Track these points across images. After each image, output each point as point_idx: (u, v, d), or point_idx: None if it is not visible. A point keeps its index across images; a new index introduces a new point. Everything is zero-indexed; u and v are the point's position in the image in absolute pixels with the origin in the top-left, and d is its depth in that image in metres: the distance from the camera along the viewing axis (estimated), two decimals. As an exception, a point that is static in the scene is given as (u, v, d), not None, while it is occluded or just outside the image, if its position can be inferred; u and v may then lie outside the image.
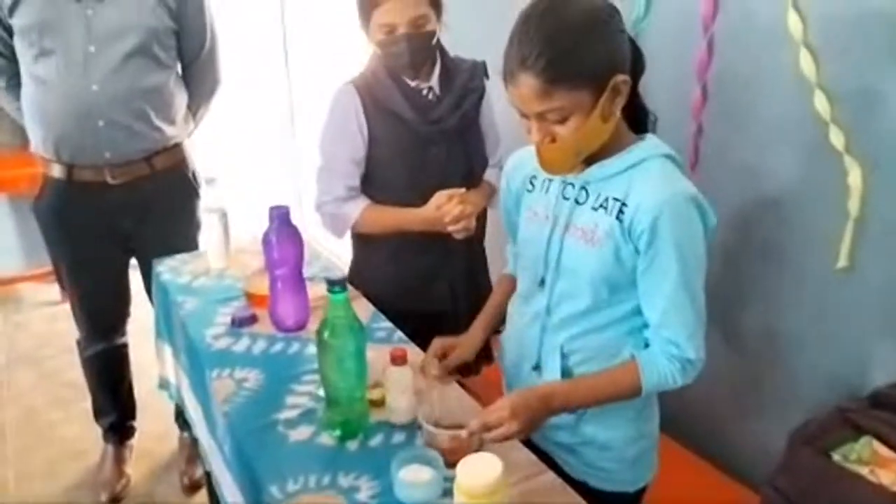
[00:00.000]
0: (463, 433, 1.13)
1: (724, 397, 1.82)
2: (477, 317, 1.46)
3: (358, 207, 1.71)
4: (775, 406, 1.73)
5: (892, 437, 1.32)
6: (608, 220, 1.14)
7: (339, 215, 1.73)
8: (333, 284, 1.17)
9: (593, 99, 1.06)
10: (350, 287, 1.84)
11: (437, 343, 1.39)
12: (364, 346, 1.23)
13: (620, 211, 1.13)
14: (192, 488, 2.33)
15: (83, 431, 2.57)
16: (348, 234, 1.82)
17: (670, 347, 1.15)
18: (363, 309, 1.75)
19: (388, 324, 1.68)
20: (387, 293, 1.76)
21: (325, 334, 1.19)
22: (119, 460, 2.40)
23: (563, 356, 1.24)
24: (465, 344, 1.41)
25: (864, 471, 1.30)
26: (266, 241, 1.55)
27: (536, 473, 1.18)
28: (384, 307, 1.72)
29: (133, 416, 2.47)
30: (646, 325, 1.20)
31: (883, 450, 1.31)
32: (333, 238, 1.86)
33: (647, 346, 1.21)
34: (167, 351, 1.96)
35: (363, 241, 1.84)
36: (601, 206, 1.15)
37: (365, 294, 1.80)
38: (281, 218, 1.54)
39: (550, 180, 1.24)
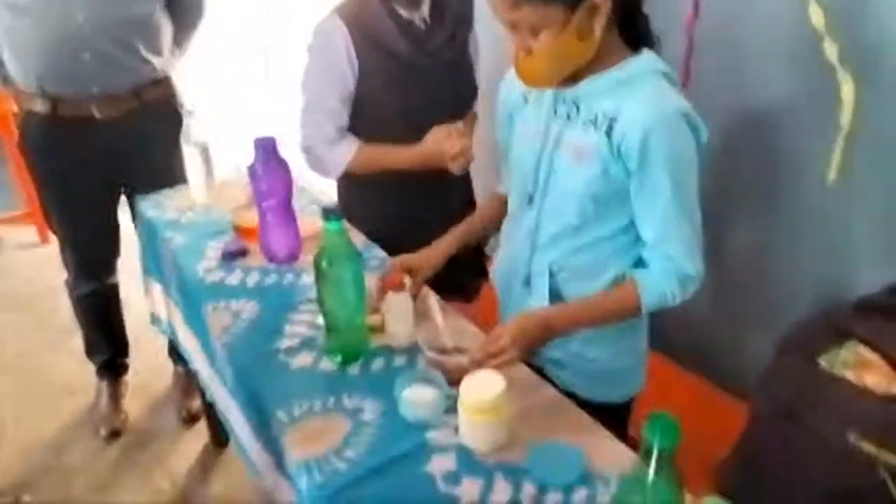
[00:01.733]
0: (465, 360, 1.15)
1: (712, 309, 1.86)
2: (457, 227, 1.44)
3: (350, 149, 1.64)
4: (763, 316, 1.77)
5: (877, 342, 1.37)
6: (597, 137, 1.13)
7: (329, 158, 1.67)
8: (328, 213, 1.16)
9: (566, 15, 1.03)
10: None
11: (397, 262, 1.37)
12: (362, 273, 1.23)
13: (610, 127, 1.11)
14: (191, 420, 2.37)
15: (76, 370, 2.58)
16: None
17: (669, 264, 1.16)
18: (355, 238, 1.75)
19: (381, 253, 1.68)
20: (379, 232, 1.72)
21: (324, 263, 1.18)
22: (115, 396, 2.42)
23: (552, 274, 1.26)
24: (428, 257, 1.39)
25: (849, 374, 1.35)
26: (252, 173, 1.52)
27: (537, 388, 1.21)
28: (375, 237, 1.72)
29: (126, 354, 2.48)
30: (634, 244, 1.21)
31: (868, 354, 1.36)
32: (316, 176, 1.81)
33: (639, 264, 1.22)
34: (156, 287, 1.95)
35: (351, 181, 1.78)
36: (591, 121, 1.14)
37: (356, 224, 1.79)
38: (267, 149, 1.50)
39: (544, 94, 1.22)
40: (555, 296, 1.26)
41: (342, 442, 1.10)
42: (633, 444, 1.79)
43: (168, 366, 2.51)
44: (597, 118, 1.13)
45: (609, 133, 1.11)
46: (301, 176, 1.72)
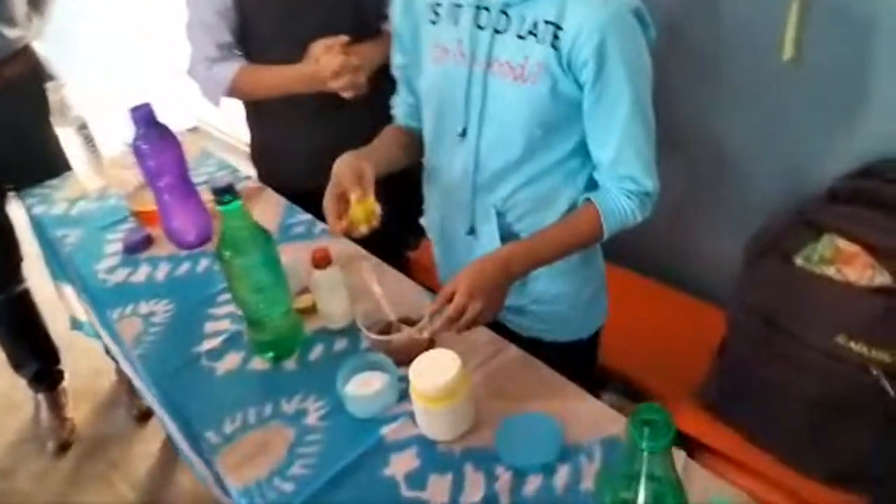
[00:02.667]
0: (415, 333, 0.99)
1: (678, 218, 1.74)
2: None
3: (231, 68, 1.46)
4: (733, 218, 1.66)
5: (853, 230, 1.26)
6: (541, 50, 0.95)
7: (210, 78, 1.48)
8: (220, 193, 0.96)
9: None
10: (253, 182, 1.67)
11: (332, 204, 1.03)
12: (274, 253, 1.05)
13: (555, 36, 0.93)
14: (143, 418, 2.20)
15: (9, 385, 2.37)
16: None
17: (627, 184, 1.02)
18: (273, 205, 1.55)
19: (305, 216, 1.49)
20: (293, 171, 1.56)
21: (226, 253, 0.99)
22: (55, 407, 2.23)
23: (499, 215, 1.10)
24: (368, 164, 1.04)
25: (829, 271, 1.24)
26: (136, 149, 1.29)
27: (498, 351, 1.07)
28: (295, 190, 1.54)
29: (57, 360, 2.27)
30: (583, 166, 1.08)
31: (846, 245, 1.25)
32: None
33: (591, 186, 1.08)
34: (67, 289, 1.74)
35: (256, 114, 1.61)
36: (530, 32, 0.95)
37: (270, 176, 1.61)
38: (145, 119, 1.27)
39: (458, 6, 1.02)
40: (506, 240, 1.11)
41: (286, 457, 0.95)
42: (607, 374, 1.72)
43: (108, 364, 2.30)
44: (536, 27, 0.95)
45: (555, 44, 0.94)
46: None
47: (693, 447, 1.64)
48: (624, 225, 1.05)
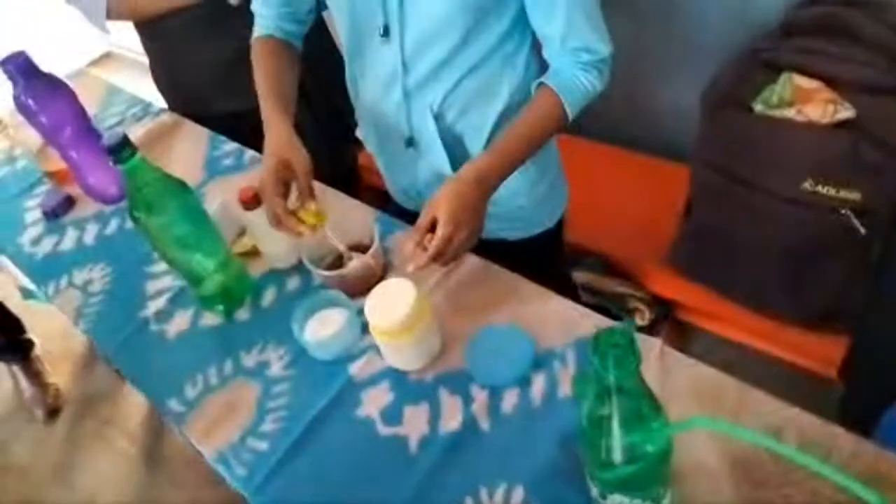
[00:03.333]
0: (369, 260, 0.92)
1: (632, 74, 1.63)
2: (264, 106, 1.01)
3: None
4: (688, 65, 1.55)
5: (811, 65, 1.18)
6: None
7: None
8: (116, 152, 0.85)
9: None
10: (168, 116, 1.51)
11: (270, 183, 0.93)
12: (194, 202, 0.95)
13: None
14: (127, 371, 2.17)
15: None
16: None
17: (582, 56, 0.93)
18: (194, 139, 1.43)
19: (231, 145, 1.38)
20: (205, 95, 1.45)
21: (140, 215, 0.89)
22: (33, 375, 2.19)
23: (437, 118, 1.00)
24: (297, 158, 0.94)
25: (789, 113, 1.17)
26: (21, 106, 1.15)
27: (458, 263, 1.01)
28: (215, 115, 1.43)
29: (22, 330, 2.19)
30: (519, 48, 0.98)
31: (805, 82, 1.18)
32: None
33: (529, 69, 0.98)
34: (5, 260, 1.63)
35: (149, 35, 1.45)
36: None
37: (184, 103, 1.48)
38: (23, 71, 1.12)
39: None
40: (450, 145, 1.02)
41: (255, 415, 0.91)
42: (576, 251, 1.68)
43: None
44: None
45: None
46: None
47: (670, 309, 1.64)
48: (587, 100, 0.96)
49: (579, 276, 1.61)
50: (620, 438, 0.56)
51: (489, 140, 1.01)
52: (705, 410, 0.77)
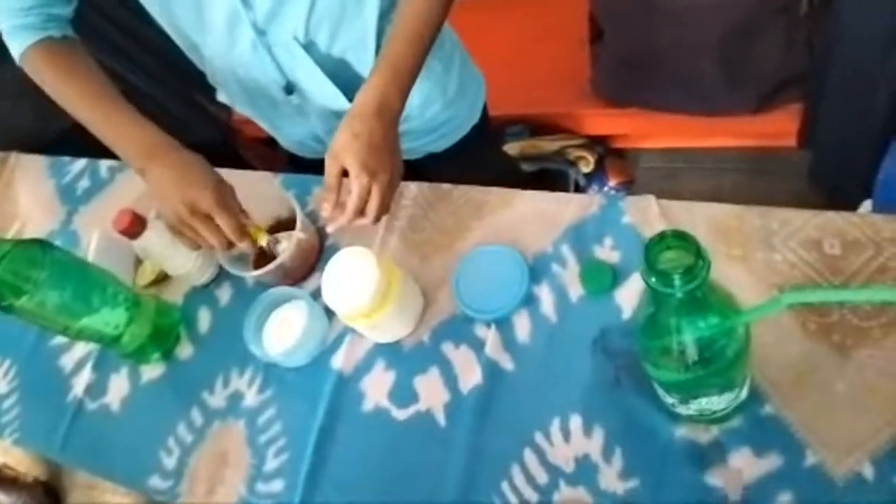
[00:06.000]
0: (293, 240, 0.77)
1: None
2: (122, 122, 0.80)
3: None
4: None
5: None
6: None
7: None
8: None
9: None
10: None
11: (229, 195, 0.78)
12: (64, 257, 0.76)
13: None
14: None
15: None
16: None
17: None
18: (34, 174, 1.18)
19: (79, 163, 1.16)
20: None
21: (8, 302, 0.70)
22: None
23: (308, 48, 0.81)
24: (215, 181, 0.77)
25: None
26: None
27: (398, 202, 0.87)
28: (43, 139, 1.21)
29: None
30: None
31: None
32: None
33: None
34: None
35: None
36: None
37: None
38: None
39: None
40: (336, 74, 0.84)
41: (252, 456, 0.78)
42: (501, 125, 1.53)
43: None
44: None
45: None
46: None
47: (609, 144, 1.56)
48: None
49: (511, 149, 1.49)
50: (697, 343, 0.46)
51: (378, 48, 0.83)
52: (736, 249, 0.68)
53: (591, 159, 1.50)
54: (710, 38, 1.12)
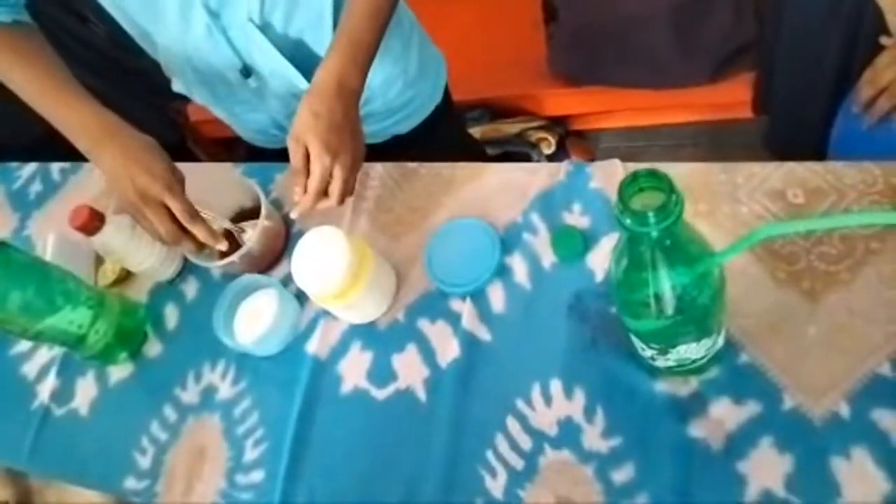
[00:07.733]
0: (247, 233, 0.75)
1: None
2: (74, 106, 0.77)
3: None
4: None
5: None
6: None
7: None
8: None
9: None
10: None
11: (177, 181, 0.74)
12: (21, 257, 0.73)
13: None
14: None
15: None
16: None
17: None
18: None
19: (30, 167, 1.11)
20: None
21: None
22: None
23: (264, 29, 0.79)
24: (166, 165, 0.74)
25: None
26: None
27: (364, 182, 0.86)
28: None
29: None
30: None
31: None
32: None
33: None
34: None
35: None
36: None
37: None
38: None
39: None
40: (295, 55, 0.82)
41: (230, 449, 0.76)
42: (462, 109, 1.52)
43: None
44: None
45: None
46: None
47: (568, 125, 1.57)
48: None
49: (472, 134, 1.49)
50: (674, 289, 0.46)
51: (336, 27, 0.82)
52: (702, 205, 0.69)
53: (553, 140, 1.51)
54: (661, 10, 1.14)
